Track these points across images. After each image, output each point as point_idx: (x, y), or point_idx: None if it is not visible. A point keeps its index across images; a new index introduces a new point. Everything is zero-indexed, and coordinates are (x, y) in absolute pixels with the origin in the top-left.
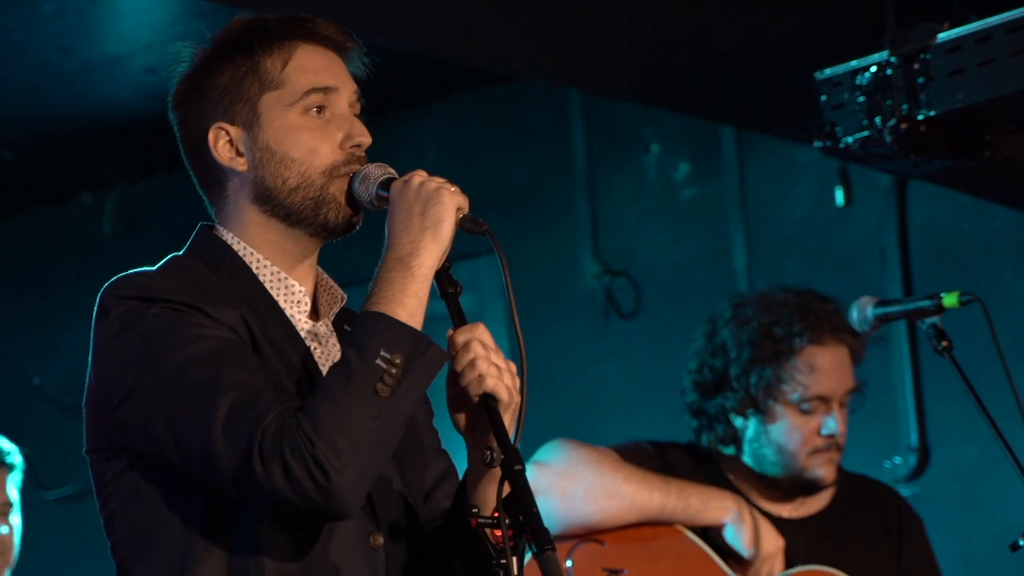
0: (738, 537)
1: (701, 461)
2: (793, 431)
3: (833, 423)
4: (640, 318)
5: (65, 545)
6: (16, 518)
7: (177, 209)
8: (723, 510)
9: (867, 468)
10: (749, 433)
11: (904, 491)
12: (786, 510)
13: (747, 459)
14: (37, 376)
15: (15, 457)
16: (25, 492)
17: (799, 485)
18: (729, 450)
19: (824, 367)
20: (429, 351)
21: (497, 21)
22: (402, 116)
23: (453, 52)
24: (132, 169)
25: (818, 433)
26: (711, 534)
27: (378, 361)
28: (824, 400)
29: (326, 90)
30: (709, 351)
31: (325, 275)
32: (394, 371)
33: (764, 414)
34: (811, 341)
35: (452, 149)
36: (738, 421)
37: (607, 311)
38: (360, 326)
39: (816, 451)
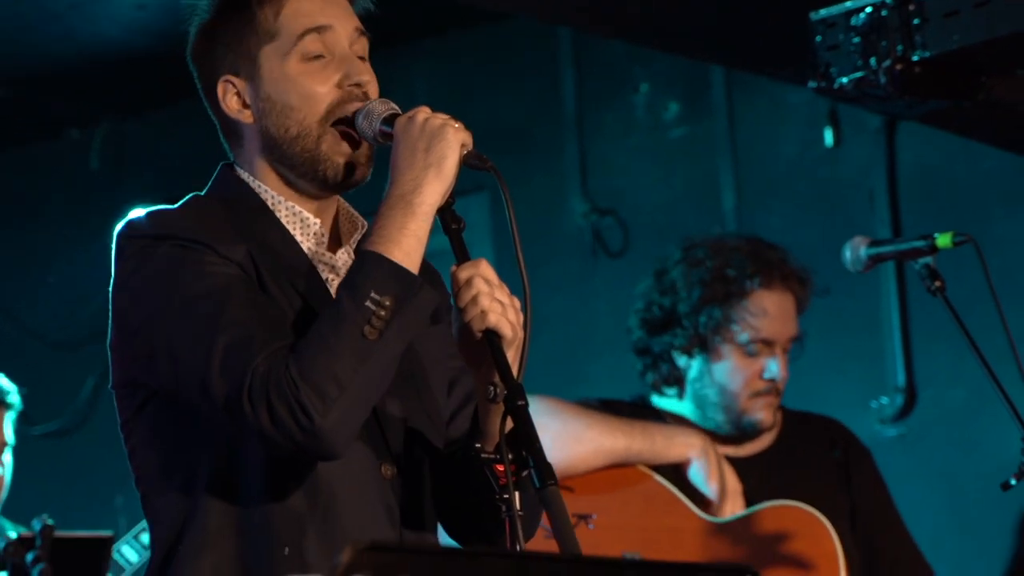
0: (701, 473)
1: (644, 415)
2: (736, 372)
3: (775, 367)
4: (628, 257)
5: (51, 480)
6: (8, 456)
7: (165, 145)
8: (688, 446)
9: (854, 408)
10: (692, 373)
11: (891, 431)
12: (730, 450)
13: (688, 402)
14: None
15: (13, 397)
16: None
17: (738, 427)
18: (671, 391)
19: (772, 311)
20: (420, 294)
21: None
22: (392, 54)
23: None
24: (120, 105)
25: (760, 376)
26: (678, 477)
27: (368, 303)
28: (768, 344)
29: (320, 29)
30: (658, 290)
31: (346, 204)
32: (383, 313)
33: (710, 354)
34: (762, 285)
35: (442, 88)
36: (682, 360)
37: (595, 250)
38: (355, 267)
39: (757, 394)
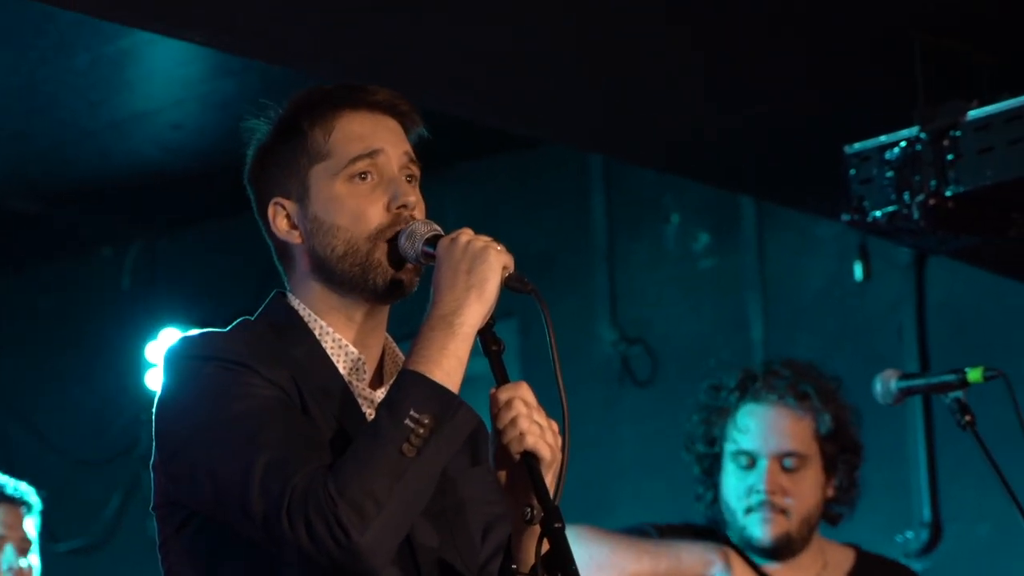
0: None
1: (705, 537)
2: (730, 487)
3: (757, 480)
4: (656, 387)
5: None
6: (35, 558)
7: (196, 265)
8: (709, 563)
9: (879, 542)
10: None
11: (916, 566)
12: None
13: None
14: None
15: (32, 498)
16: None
17: (746, 545)
18: (720, 520)
19: (755, 424)
20: (459, 412)
21: (523, 84)
22: (423, 177)
23: (478, 114)
24: (153, 224)
25: (750, 490)
26: None
27: (407, 421)
28: (752, 456)
29: (372, 154)
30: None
31: (392, 344)
32: (422, 431)
33: (715, 474)
34: (741, 398)
35: (473, 212)
36: (719, 480)
37: (623, 379)
38: (395, 385)
39: (749, 508)
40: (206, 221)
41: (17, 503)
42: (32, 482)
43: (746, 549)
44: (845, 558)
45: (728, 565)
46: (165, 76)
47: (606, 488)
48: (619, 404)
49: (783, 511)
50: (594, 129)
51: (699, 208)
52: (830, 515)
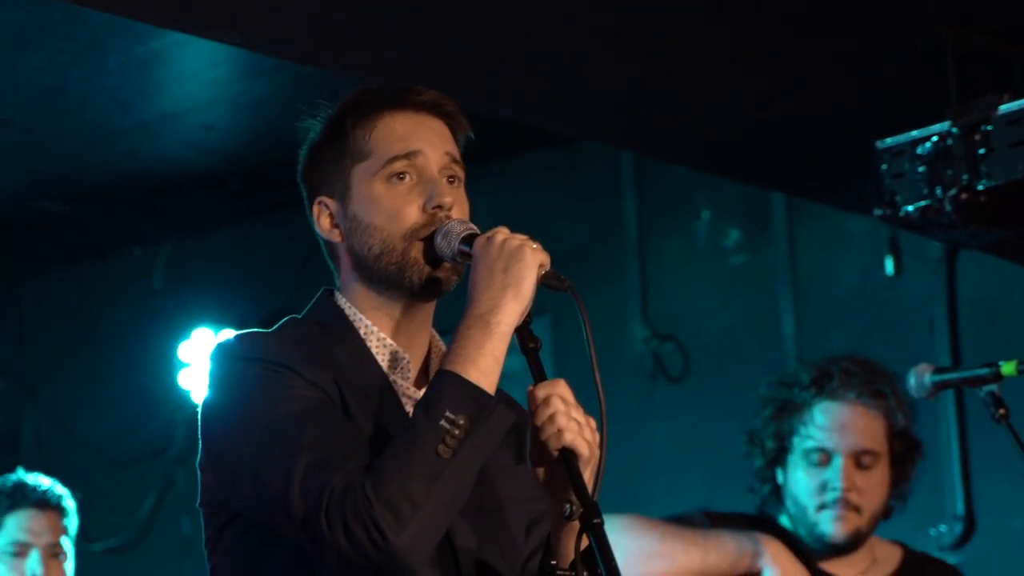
0: None
1: (758, 526)
2: (802, 484)
3: (834, 477)
4: (688, 383)
5: None
6: (64, 564)
7: (227, 265)
8: (756, 555)
9: (913, 536)
10: (784, 490)
11: (949, 560)
12: (851, 572)
13: (788, 517)
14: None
15: (67, 502)
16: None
17: (816, 540)
18: (781, 509)
19: (830, 421)
20: (495, 413)
21: (557, 82)
22: None
23: (511, 111)
24: (184, 224)
25: (824, 487)
26: None
27: (442, 422)
28: (827, 453)
29: (409, 155)
30: (753, 415)
31: (439, 341)
32: (457, 432)
33: (785, 467)
34: (817, 394)
35: (505, 210)
36: (780, 476)
37: (655, 375)
38: (432, 386)
39: (823, 505)
40: (237, 221)
41: (46, 507)
42: (66, 482)
43: (813, 544)
44: (893, 555)
45: (774, 557)
46: (196, 77)
47: (639, 484)
48: (651, 400)
49: (856, 508)
50: (626, 127)
51: (730, 204)
52: (887, 510)
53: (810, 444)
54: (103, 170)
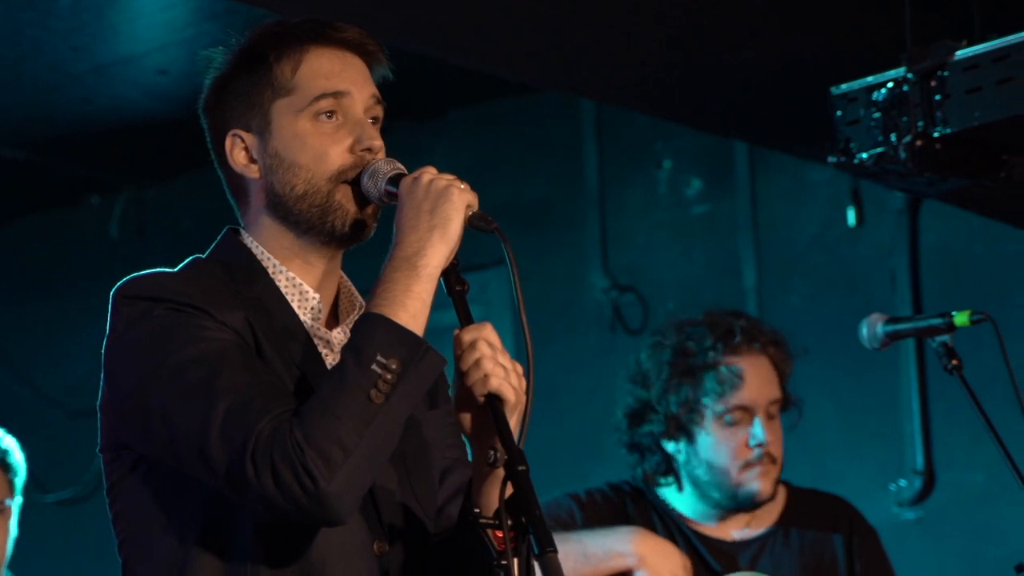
0: None
1: (636, 494)
2: (720, 446)
3: (759, 432)
4: (647, 334)
5: (64, 548)
6: (13, 520)
7: (185, 213)
8: (622, 556)
9: (871, 491)
10: (682, 457)
11: (909, 515)
12: (734, 532)
13: (686, 489)
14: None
15: (15, 456)
16: (25, 494)
17: (736, 502)
18: (668, 480)
19: (743, 376)
20: (427, 357)
21: (513, 29)
22: (414, 126)
23: (469, 59)
24: (141, 172)
25: (746, 445)
26: None
27: (374, 366)
28: (747, 410)
29: (336, 95)
30: (634, 381)
31: (348, 282)
32: (389, 377)
33: (690, 433)
34: (725, 352)
35: (465, 161)
36: (670, 446)
37: (615, 326)
38: (360, 329)
39: (748, 464)
40: (195, 168)
41: None
42: (23, 433)
43: (728, 505)
44: (776, 500)
45: (642, 558)
46: (148, 20)
47: (599, 435)
48: (611, 351)
49: (773, 460)
50: (582, 75)
51: (691, 154)
52: None
53: (728, 403)
54: (58, 116)
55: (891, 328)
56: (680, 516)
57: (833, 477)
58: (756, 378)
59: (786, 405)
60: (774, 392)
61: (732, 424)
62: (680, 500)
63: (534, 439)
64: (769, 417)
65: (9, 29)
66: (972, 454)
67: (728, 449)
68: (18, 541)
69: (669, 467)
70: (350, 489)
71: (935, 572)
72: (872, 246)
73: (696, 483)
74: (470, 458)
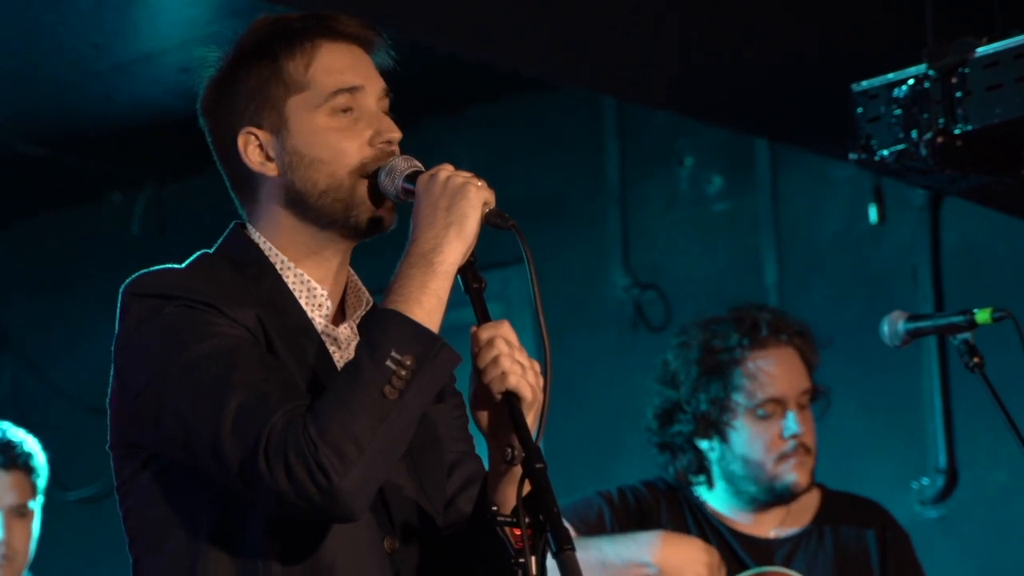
0: None
1: (671, 492)
2: (755, 439)
3: (793, 423)
4: (669, 332)
5: (85, 546)
6: (27, 525)
7: (207, 211)
8: (643, 567)
9: (894, 489)
10: (715, 454)
11: (931, 513)
12: (766, 529)
13: (718, 486)
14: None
15: (36, 460)
16: (47, 492)
17: (774, 495)
18: (700, 479)
19: (773, 368)
20: (441, 353)
21: (534, 25)
22: (436, 121)
23: (490, 56)
24: (163, 169)
25: (780, 436)
26: None
27: (388, 362)
28: (779, 402)
29: (352, 90)
30: (662, 381)
31: (355, 278)
32: (404, 373)
33: (722, 431)
34: (752, 347)
35: (485, 157)
36: (703, 444)
37: (636, 324)
38: (375, 325)
39: (783, 456)
40: (216, 166)
41: (12, 467)
42: (42, 430)
43: (766, 499)
44: (811, 500)
45: (664, 565)
46: (169, 17)
47: (619, 433)
48: (632, 349)
49: (808, 450)
50: (604, 72)
51: (713, 151)
52: None
53: (760, 397)
54: (80, 113)
55: (912, 326)
56: (715, 513)
57: (856, 475)
58: (785, 370)
59: (815, 395)
60: (803, 382)
61: (765, 418)
62: (713, 497)
63: (552, 436)
64: (800, 408)
65: (31, 27)
66: (994, 452)
67: (763, 443)
68: (40, 540)
69: (701, 465)
70: (364, 485)
71: (957, 570)
72: (894, 244)
73: (731, 479)
74: (478, 450)
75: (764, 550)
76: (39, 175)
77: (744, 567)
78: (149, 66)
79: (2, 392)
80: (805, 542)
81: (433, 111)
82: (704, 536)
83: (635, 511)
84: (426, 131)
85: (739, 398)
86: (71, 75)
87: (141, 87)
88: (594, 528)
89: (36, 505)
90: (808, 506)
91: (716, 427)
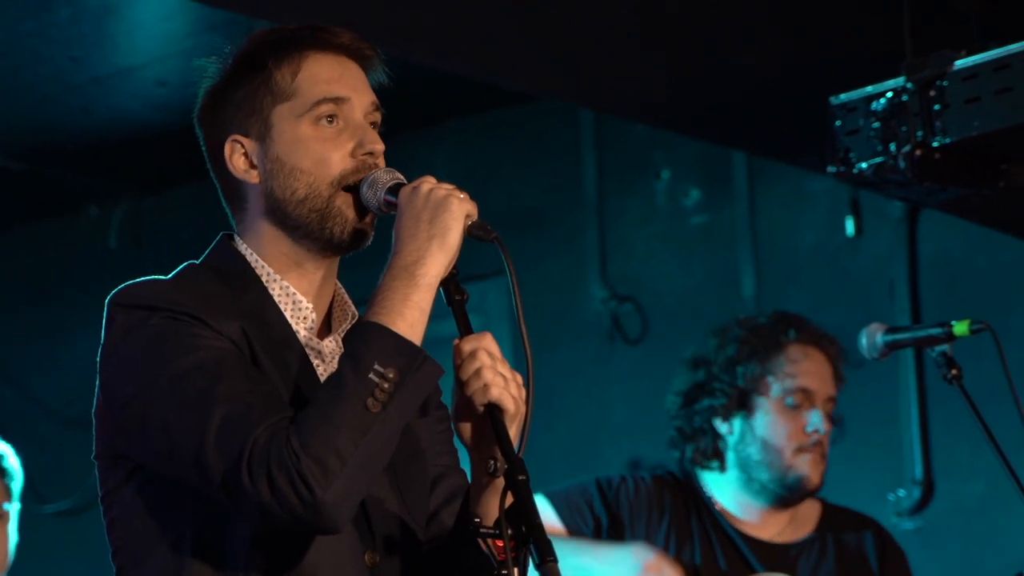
0: None
1: (678, 486)
2: (778, 426)
3: (818, 419)
4: (646, 344)
5: (63, 558)
6: (12, 525)
7: (184, 225)
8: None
9: (871, 500)
10: (734, 437)
11: (908, 524)
12: (771, 533)
13: (731, 471)
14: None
15: (10, 461)
16: (23, 505)
17: (784, 487)
18: (714, 464)
19: (809, 363)
20: (424, 366)
21: (512, 38)
22: (413, 135)
23: (468, 69)
24: (140, 183)
25: (803, 430)
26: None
27: (371, 375)
28: (809, 395)
29: (337, 100)
30: (691, 369)
31: (342, 291)
32: (386, 386)
33: (749, 410)
34: (797, 338)
35: (463, 170)
36: (723, 427)
37: (613, 336)
38: (357, 337)
39: (801, 448)
40: (193, 180)
41: None
42: (20, 442)
43: (778, 490)
44: (813, 510)
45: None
46: (147, 31)
47: (596, 445)
48: (609, 362)
49: (823, 454)
50: (581, 84)
51: (690, 164)
52: None
53: (793, 385)
54: (58, 126)
55: (891, 338)
56: (722, 511)
57: (832, 486)
58: (821, 369)
59: (835, 416)
60: (832, 390)
61: (793, 407)
62: (723, 488)
63: (530, 448)
64: (825, 412)
65: (8, 39)
66: (972, 464)
67: (785, 430)
68: (17, 552)
69: (716, 450)
70: (346, 498)
71: None
72: (871, 256)
73: (745, 465)
74: (463, 464)
75: (768, 553)
76: (16, 188)
77: (750, 569)
78: (127, 79)
79: None
80: (808, 550)
81: (411, 124)
82: (707, 534)
83: (634, 498)
84: (405, 144)
85: (773, 380)
86: (49, 87)
87: (119, 100)
88: (579, 512)
89: (12, 509)
90: (810, 516)
91: (744, 404)
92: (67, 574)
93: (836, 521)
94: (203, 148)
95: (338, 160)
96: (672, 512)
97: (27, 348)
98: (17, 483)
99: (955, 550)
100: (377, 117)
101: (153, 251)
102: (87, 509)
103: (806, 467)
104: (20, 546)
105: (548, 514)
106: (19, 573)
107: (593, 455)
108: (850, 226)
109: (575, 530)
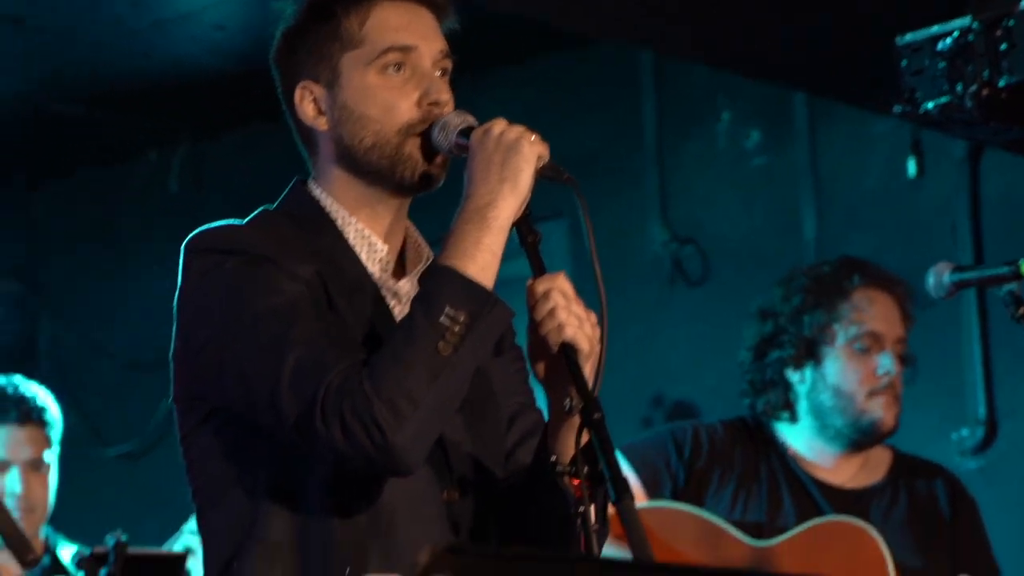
0: None
1: (750, 434)
2: (849, 371)
3: (888, 361)
4: (707, 287)
5: (124, 501)
6: (46, 479)
7: (243, 168)
8: None
9: (933, 440)
10: (805, 386)
11: (970, 464)
12: (843, 478)
13: (803, 420)
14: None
15: (50, 414)
16: (86, 448)
17: (859, 431)
18: (785, 415)
19: (875, 308)
20: (495, 309)
21: None
22: (470, 79)
23: (527, 10)
24: (200, 127)
25: (874, 373)
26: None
27: (442, 319)
28: (878, 339)
29: (404, 49)
30: (758, 321)
31: (415, 232)
32: (457, 329)
33: (819, 358)
34: (862, 283)
35: (521, 115)
36: (795, 377)
37: (674, 279)
38: (429, 281)
39: (874, 392)
40: (252, 123)
41: (27, 422)
42: (81, 386)
43: (855, 435)
44: (884, 457)
45: None
46: None
47: (658, 389)
48: (670, 305)
49: (896, 396)
50: (641, 26)
51: (751, 105)
52: None
53: (861, 330)
54: (117, 71)
55: (958, 277)
56: (795, 456)
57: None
58: (888, 312)
59: (906, 353)
60: (901, 331)
61: (862, 351)
62: (796, 435)
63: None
64: (896, 353)
65: None
66: None
67: (857, 375)
68: (79, 495)
69: (787, 400)
70: (418, 440)
71: (998, 520)
72: (933, 197)
73: (819, 412)
74: (539, 402)
75: (840, 498)
76: (76, 133)
77: (820, 513)
78: (186, 24)
79: (42, 348)
80: (879, 496)
81: (468, 70)
82: (775, 478)
83: (707, 453)
84: (460, 91)
85: (839, 327)
86: (109, 33)
87: (178, 45)
88: (657, 473)
89: (52, 457)
90: (882, 462)
91: (813, 354)
92: (129, 515)
93: (907, 468)
94: (278, 89)
95: (405, 109)
96: (741, 459)
97: (88, 293)
98: (57, 432)
99: (1018, 489)
100: (447, 64)
101: (213, 195)
102: (148, 452)
103: (880, 410)
104: (82, 488)
105: (624, 469)
106: (82, 514)
107: (655, 397)
108: (912, 167)
109: (650, 485)
